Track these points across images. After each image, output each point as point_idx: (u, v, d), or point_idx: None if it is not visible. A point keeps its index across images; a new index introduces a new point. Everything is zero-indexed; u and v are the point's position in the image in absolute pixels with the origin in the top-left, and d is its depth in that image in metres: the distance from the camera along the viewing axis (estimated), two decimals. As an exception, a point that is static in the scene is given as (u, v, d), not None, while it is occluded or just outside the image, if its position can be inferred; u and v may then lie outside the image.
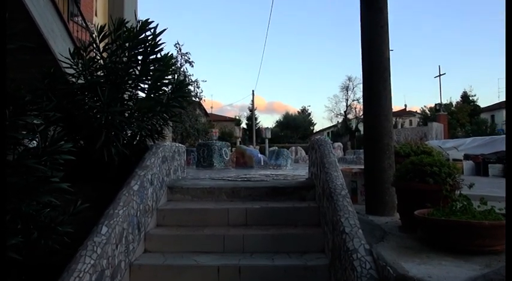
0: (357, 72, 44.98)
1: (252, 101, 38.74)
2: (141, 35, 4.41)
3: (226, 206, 4.29)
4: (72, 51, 4.43)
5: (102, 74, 4.49)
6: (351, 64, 75.02)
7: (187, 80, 21.85)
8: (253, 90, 38.06)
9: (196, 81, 24.05)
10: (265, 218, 4.11)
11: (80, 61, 4.39)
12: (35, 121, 2.70)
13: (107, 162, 4.08)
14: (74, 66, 4.38)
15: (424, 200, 3.14)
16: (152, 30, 4.41)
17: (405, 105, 50.57)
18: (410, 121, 47.25)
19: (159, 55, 4.50)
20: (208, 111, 39.57)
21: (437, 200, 3.10)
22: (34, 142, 2.88)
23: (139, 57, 4.48)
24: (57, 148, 2.69)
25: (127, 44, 4.37)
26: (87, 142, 4.29)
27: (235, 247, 3.73)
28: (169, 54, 4.57)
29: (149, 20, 4.43)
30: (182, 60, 23.12)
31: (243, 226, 4.08)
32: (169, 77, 4.67)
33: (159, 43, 4.44)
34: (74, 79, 4.44)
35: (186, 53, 23.26)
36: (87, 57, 4.48)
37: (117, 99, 4.30)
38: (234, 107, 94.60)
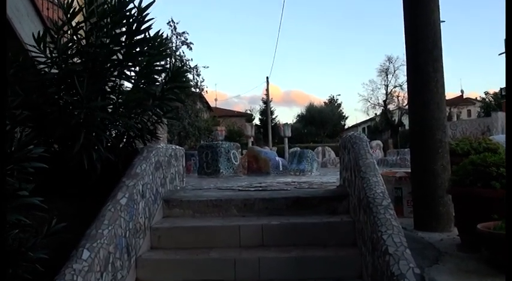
0: (399, 51, 44.49)
1: (267, 90, 38.73)
2: (122, 9, 4.43)
3: (236, 222, 4.30)
4: (41, 34, 4.48)
5: (78, 61, 4.54)
6: (390, 41, 74.49)
7: (184, 66, 21.98)
8: (267, 77, 37.74)
9: (196, 67, 24.17)
10: (286, 237, 4.11)
11: (52, 46, 4.44)
12: (-3, 121, 2.74)
13: (87, 170, 4.12)
14: (46, 53, 4.43)
15: (490, 211, 3.10)
16: (137, 3, 4.44)
17: (462, 92, 50.12)
18: (469, 111, 46.72)
19: (147, 35, 4.53)
20: (212, 104, 39.78)
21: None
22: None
23: (123, 39, 4.50)
24: (26, 154, 2.73)
25: (103, 22, 4.40)
26: (62, 146, 4.34)
27: (249, 273, 3.73)
28: (160, 33, 4.59)
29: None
30: (178, 42, 23.27)
31: (259, 247, 4.08)
32: (162, 62, 4.70)
33: (145, 20, 4.46)
34: (46, 68, 4.49)
35: (183, 32, 23.38)
36: (61, 40, 4.53)
37: (98, 91, 4.34)
38: (243, 99, 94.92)
